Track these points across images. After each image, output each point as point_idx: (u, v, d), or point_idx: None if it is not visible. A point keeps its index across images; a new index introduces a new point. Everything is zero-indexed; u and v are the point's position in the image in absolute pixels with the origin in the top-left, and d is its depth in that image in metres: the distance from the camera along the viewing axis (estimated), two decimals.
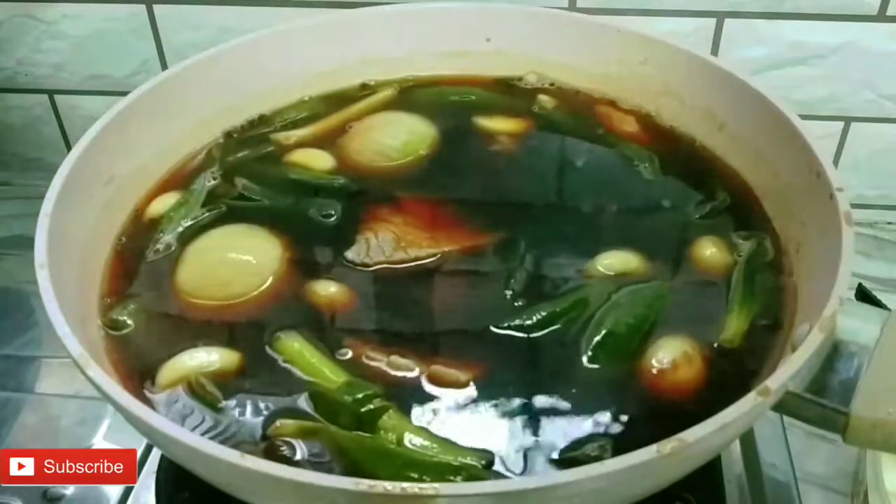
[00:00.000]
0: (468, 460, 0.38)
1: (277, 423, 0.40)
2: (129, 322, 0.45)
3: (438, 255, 0.48)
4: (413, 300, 0.46)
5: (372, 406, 0.40)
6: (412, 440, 0.39)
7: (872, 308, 0.41)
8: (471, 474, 0.37)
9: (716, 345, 0.43)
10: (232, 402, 0.41)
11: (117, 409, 0.37)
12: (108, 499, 0.51)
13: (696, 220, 0.50)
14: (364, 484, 0.32)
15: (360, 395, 0.40)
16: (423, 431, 0.39)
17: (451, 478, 0.37)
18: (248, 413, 0.40)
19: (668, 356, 0.42)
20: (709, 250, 0.48)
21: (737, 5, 0.68)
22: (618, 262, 0.47)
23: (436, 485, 0.32)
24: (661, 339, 0.43)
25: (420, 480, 0.36)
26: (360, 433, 0.39)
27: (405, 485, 0.32)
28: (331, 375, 0.41)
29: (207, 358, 0.43)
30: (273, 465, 0.33)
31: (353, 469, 0.38)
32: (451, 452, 0.38)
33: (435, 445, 0.38)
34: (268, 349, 0.43)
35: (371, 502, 0.33)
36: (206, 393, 0.41)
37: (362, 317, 0.45)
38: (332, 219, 0.51)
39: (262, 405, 0.41)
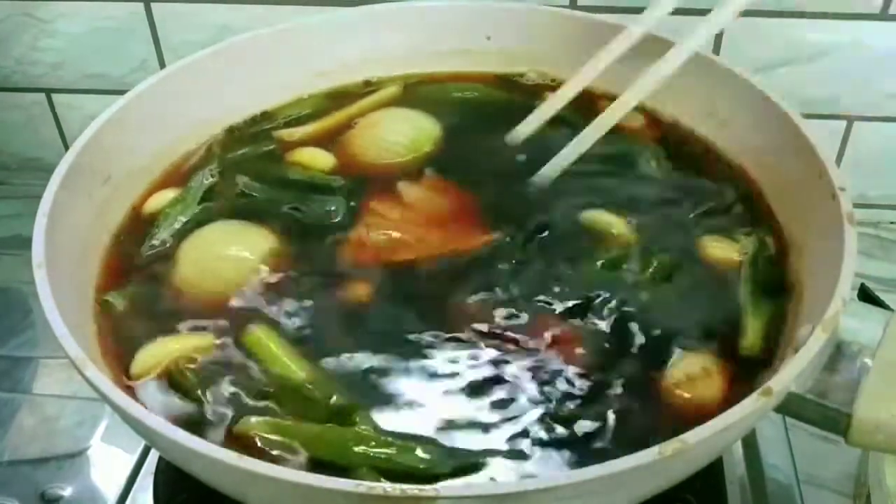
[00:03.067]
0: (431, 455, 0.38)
1: (243, 420, 0.39)
2: (126, 320, 0.45)
3: (426, 257, 0.47)
4: (398, 298, 0.46)
5: (342, 402, 0.40)
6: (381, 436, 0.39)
7: (875, 308, 0.41)
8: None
9: (737, 352, 0.42)
10: (209, 394, 0.41)
11: (115, 411, 0.37)
12: (105, 500, 0.51)
13: (698, 218, 0.50)
14: (363, 485, 0.32)
15: (326, 392, 0.40)
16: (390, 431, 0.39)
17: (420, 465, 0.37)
18: (222, 406, 0.40)
19: (687, 374, 0.41)
20: (714, 251, 0.47)
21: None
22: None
23: (436, 486, 0.32)
24: (680, 357, 0.42)
25: (393, 468, 0.37)
26: (330, 425, 0.39)
27: (405, 486, 0.32)
28: (296, 370, 0.42)
29: (188, 349, 0.43)
30: (271, 466, 0.33)
31: (320, 459, 0.38)
32: (417, 448, 0.38)
33: (399, 441, 0.38)
34: (240, 342, 0.43)
35: (370, 503, 0.32)
36: (186, 381, 0.41)
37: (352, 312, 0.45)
38: (331, 217, 0.50)
39: (234, 398, 0.41)
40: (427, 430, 0.39)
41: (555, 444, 0.39)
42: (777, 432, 0.53)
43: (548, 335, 0.44)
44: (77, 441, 0.55)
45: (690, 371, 0.41)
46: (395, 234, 0.49)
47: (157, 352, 0.43)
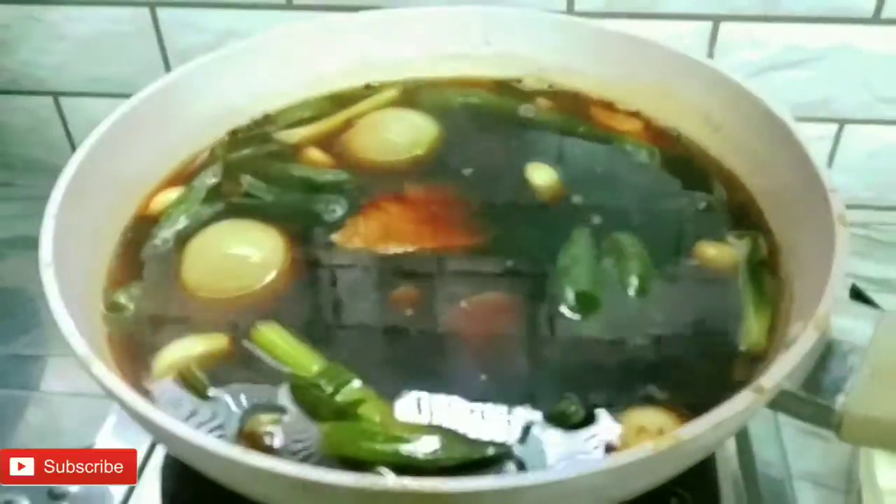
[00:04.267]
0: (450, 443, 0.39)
1: (255, 417, 0.40)
2: (133, 318, 0.45)
3: (416, 251, 0.48)
4: (402, 292, 0.47)
5: (350, 397, 0.40)
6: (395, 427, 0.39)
7: (866, 307, 0.41)
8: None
9: (744, 349, 0.43)
10: (220, 392, 0.42)
11: (123, 407, 0.37)
12: (112, 496, 0.51)
13: (692, 220, 0.51)
14: (366, 480, 0.32)
15: (336, 384, 0.41)
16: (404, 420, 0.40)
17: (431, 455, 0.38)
18: (231, 404, 0.41)
19: (641, 426, 0.39)
20: (710, 252, 0.48)
21: (732, 9, 0.68)
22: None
23: (436, 481, 0.32)
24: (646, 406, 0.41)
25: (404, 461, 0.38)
26: (339, 422, 0.40)
27: (406, 481, 0.33)
28: (308, 364, 0.42)
29: (196, 348, 0.43)
30: (276, 461, 0.33)
31: (336, 453, 0.39)
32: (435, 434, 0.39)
33: (406, 435, 0.39)
34: (249, 339, 0.44)
35: (372, 498, 0.33)
36: (196, 381, 0.42)
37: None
38: (334, 214, 0.51)
39: (244, 396, 0.41)
40: (435, 422, 0.40)
41: (557, 439, 0.39)
42: (769, 428, 0.54)
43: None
44: (83, 438, 0.55)
45: (645, 424, 0.39)
46: (390, 227, 0.50)
47: (172, 355, 0.43)
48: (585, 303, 0.45)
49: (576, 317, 0.45)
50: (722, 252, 0.48)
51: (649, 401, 0.41)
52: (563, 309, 0.45)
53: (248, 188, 0.53)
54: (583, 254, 0.47)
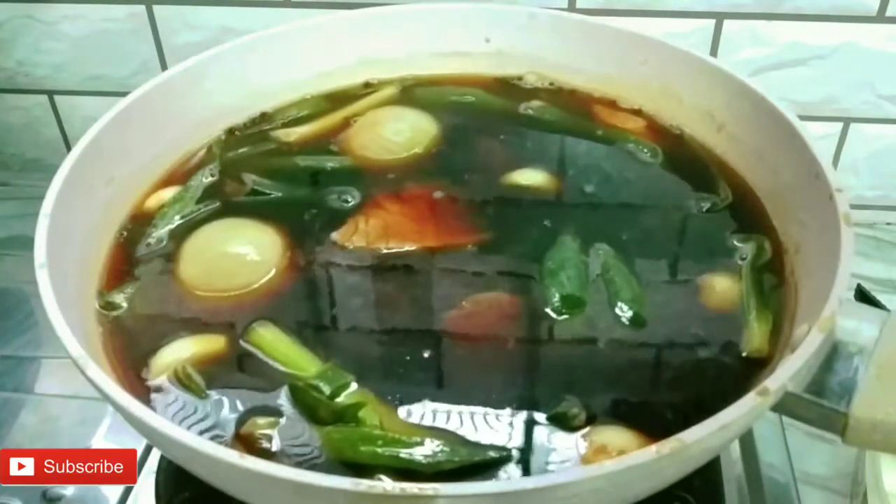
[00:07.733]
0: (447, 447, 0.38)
1: (252, 419, 0.40)
2: (128, 319, 0.45)
3: (417, 250, 0.48)
4: (402, 292, 0.46)
5: (349, 400, 0.40)
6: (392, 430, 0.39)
7: (871, 308, 0.41)
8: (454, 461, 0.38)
9: (744, 354, 0.42)
10: (216, 394, 0.41)
11: (117, 410, 0.37)
12: (107, 499, 0.51)
13: (695, 220, 0.50)
14: (363, 484, 0.32)
15: (334, 386, 0.40)
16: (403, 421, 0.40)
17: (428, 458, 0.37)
18: (228, 406, 0.41)
19: (604, 444, 0.39)
20: (715, 288, 0.46)
21: (736, 6, 0.68)
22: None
23: (435, 485, 0.32)
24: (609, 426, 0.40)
25: (403, 465, 0.37)
26: (336, 426, 0.39)
27: (404, 485, 0.32)
28: (306, 366, 0.42)
29: (192, 349, 0.43)
30: (272, 465, 0.33)
31: (335, 456, 0.38)
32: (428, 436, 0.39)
33: (404, 438, 0.39)
34: (246, 340, 0.43)
35: (370, 502, 0.33)
36: (192, 382, 0.41)
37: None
38: (333, 212, 0.51)
39: (242, 398, 0.41)
40: (434, 425, 0.40)
41: (559, 442, 0.39)
42: (774, 431, 0.54)
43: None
44: (79, 440, 0.55)
45: (608, 443, 0.39)
46: (390, 225, 0.49)
47: (168, 355, 0.43)
48: (576, 304, 0.45)
49: (578, 319, 0.44)
50: (730, 287, 0.46)
51: (643, 407, 0.41)
52: (564, 310, 0.44)
53: (252, 184, 0.53)
54: (572, 257, 0.47)
